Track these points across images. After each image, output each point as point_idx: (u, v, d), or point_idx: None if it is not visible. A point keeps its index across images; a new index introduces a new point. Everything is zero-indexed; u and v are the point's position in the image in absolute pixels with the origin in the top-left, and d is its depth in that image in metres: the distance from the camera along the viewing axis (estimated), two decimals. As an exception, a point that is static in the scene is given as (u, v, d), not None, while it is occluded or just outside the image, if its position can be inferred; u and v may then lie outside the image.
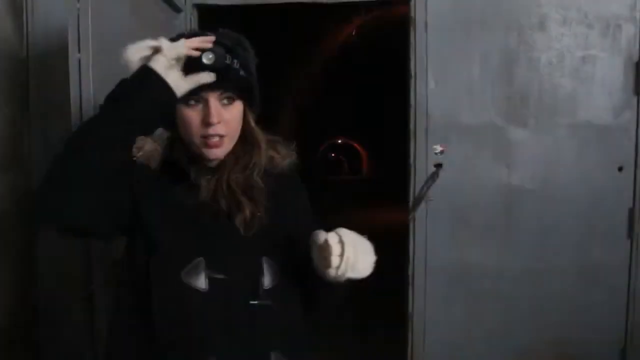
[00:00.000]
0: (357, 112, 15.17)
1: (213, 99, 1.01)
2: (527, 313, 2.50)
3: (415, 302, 2.53)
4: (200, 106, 1.01)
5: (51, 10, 2.08)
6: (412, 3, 2.43)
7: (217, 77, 0.99)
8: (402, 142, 2.67)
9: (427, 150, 2.46)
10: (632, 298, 2.47)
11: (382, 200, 11.11)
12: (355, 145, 21.44)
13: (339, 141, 21.20)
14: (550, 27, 2.42)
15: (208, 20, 2.50)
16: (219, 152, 1.03)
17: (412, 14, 2.43)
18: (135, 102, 0.95)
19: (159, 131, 1.10)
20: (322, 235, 0.95)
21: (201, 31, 1.07)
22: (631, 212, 2.45)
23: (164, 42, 0.97)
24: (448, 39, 2.43)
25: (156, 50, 0.97)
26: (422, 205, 2.47)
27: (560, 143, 2.45)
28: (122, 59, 0.98)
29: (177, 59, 0.97)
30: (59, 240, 2.09)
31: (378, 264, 0.97)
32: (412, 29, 2.44)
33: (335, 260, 0.91)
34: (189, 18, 2.39)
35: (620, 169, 2.44)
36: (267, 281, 1.04)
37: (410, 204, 2.50)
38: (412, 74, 2.45)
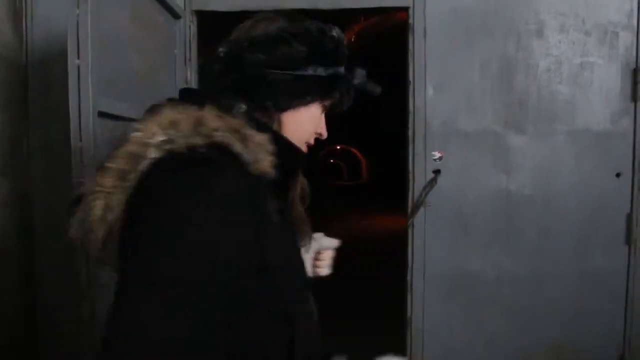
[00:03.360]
0: (356, 118, 15.18)
1: None
2: (525, 319, 2.50)
3: (414, 307, 2.53)
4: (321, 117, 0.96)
5: (51, 15, 2.09)
6: (410, 10, 2.44)
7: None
8: (401, 148, 2.67)
9: (425, 157, 2.47)
10: (630, 304, 2.48)
11: (380, 205, 11.12)
12: (354, 151, 21.47)
13: (338, 147, 21.23)
14: (548, 34, 2.44)
15: (207, 26, 2.51)
16: None
17: (411, 21, 2.45)
18: None
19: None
20: (326, 240, 1.10)
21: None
22: (629, 217, 2.46)
23: None
24: (446, 46, 2.44)
25: None
26: (421, 211, 2.48)
27: (559, 149, 2.46)
28: None
29: None
30: (59, 245, 2.10)
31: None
32: (410, 35, 2.45)
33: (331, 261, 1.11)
34: (188, 24, 2.40)
35: (618, 175, 2.45)
36: None
37: (409, 209, 2.50)
38: (411, 80, 2.46)
